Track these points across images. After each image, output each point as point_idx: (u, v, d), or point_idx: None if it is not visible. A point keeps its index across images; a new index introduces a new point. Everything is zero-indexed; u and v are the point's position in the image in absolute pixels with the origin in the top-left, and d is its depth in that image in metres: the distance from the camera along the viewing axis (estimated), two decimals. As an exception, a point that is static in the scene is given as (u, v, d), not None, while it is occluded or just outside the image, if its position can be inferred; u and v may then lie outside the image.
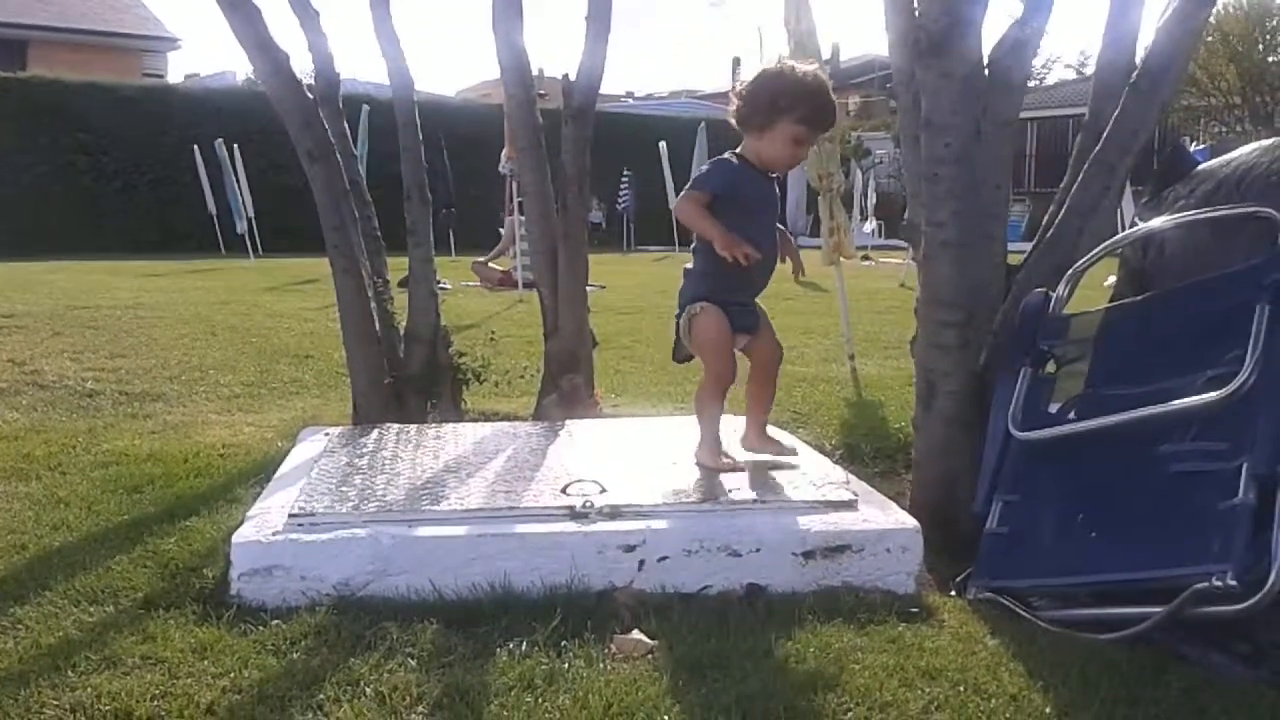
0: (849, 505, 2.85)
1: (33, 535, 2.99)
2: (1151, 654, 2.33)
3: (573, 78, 4.24)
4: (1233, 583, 2.15)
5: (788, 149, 3.05)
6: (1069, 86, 30.90)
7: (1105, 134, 3.20)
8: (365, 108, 13.83)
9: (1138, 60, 3.32)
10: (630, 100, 43.52)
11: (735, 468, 3.11)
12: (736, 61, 51.77)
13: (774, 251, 3.16)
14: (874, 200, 21.80)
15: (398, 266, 4.44)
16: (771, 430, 3.39)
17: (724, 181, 3.06)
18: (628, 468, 3.14)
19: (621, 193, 23.05)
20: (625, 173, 22.43)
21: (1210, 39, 25.33)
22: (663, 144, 17.76)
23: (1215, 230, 2.94)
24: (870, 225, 21.85)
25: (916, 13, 3.29)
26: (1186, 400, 2.45)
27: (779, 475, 3.06)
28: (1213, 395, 2.38)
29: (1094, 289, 3.91)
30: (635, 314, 9.14)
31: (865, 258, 17.72)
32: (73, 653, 2.24)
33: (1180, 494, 2.43)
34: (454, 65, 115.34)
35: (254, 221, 16.61)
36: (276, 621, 2.40)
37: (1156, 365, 2.69)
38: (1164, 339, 2.76)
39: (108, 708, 2.02)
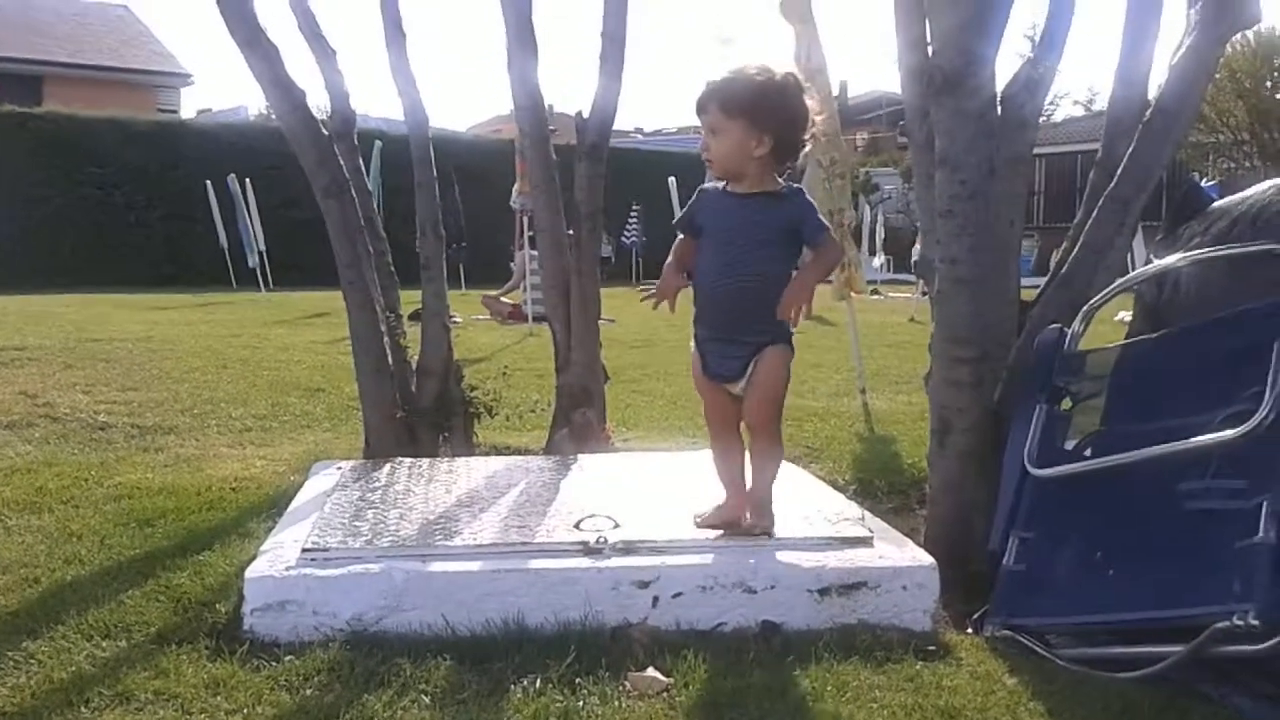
0: (864, 542, 2.83)
1: (45, 569, 2.98)
2: (1172, 694, 2.31)
3: (585, 115, 4.27)
4: (1254, 622, 2.14)
5: None
6: (1077, 123, 30.94)
7: (1119, 171, 3.21)
8: (377, 144, 13.91)
9: (1150, 97, 3.33)
10: (639, 136, 43.75)
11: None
12: (745, 98, 52.07)
13: (726, 285, 2.80)
14: (883, 235, 21.86)
15: (408, 300, 4.45)
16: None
17: (684, 215, 2.92)
18: (640, 502, 3.12)
19: (630, 227, 23.12)
20: (634, 207, 22.51)
21: (1218, 75, 25.43)
22: (672, 179, 17.84)
23: (1231, 267, 2.94)
24: (879, 260, 21.89)
25: (930, 51, 3.31)
26: (1205, 437, 2.44)
27: (794, 511, 3.04)
28: (1231, 432, 2.37)
29: (1106, 324, 3.90)
30: (645, 348, 9.14)
31: (875, 292, 17.73)
32: (85, 688, 2.23)
33: (1200, 532, 2.41)
34: (464, 101, 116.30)
35: (265, 255, 16.69)
36: (290, 657, 2.39)
37: (1173, 402, 2.68)
38: (1181, 376, 2.75)
39: (120, 744, 2.01)
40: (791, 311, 2.72)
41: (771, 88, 2.73)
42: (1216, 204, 3.29)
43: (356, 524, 2.92)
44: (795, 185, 2.86)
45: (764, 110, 2.72)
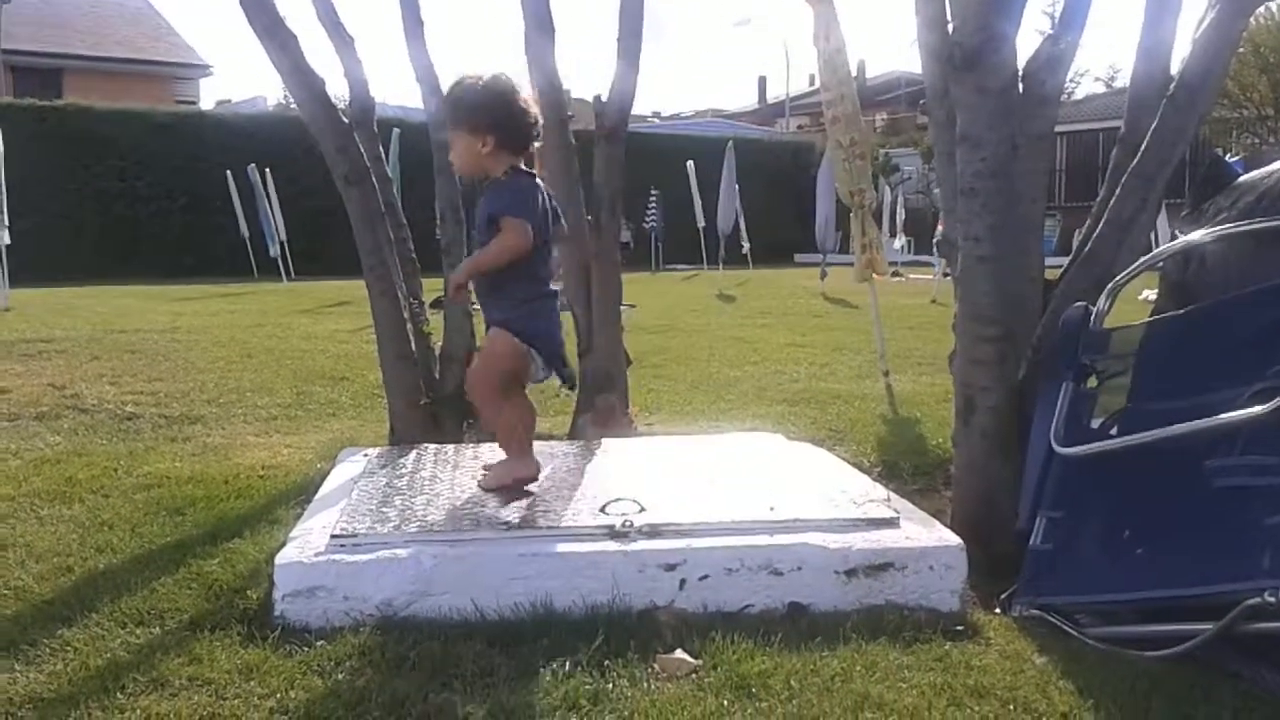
0: (891, 523, 2.83)
1: (78, 557, 3.02)
2: (1201, 672, 2.30)
3: (604, 99, 4.27)
4: (1285, 599, 2.13)
5: None
6: (1099, 100, 30.68)
7: (1143, 147, 3.18)
8: (396, 131, 13.93)
9: (1173, 72, 3.31)
10: (657, 120, 43.62)
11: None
12: (763, 80, 51.94)
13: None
14: (903, 217, 21.75)
15: (429, 287, 4.46)
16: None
17: None
18: (665, 486, 3.13)
19: (649, 212, 23.09)
20: (653, 192, 22.47)
21: (1241, 50, 25.13)
22: (690, 163, 17.80)
23: (1258, 242, 2.91)
24: (899, 241, 21.79)
25: (950, 28, 3.29)
26: (1233, 414, 2.42)
27: (819, 493, 3.04)
28: (1260, 408, 2.35)
29: (1130, 303, 3.88)
30: (666, 333, 9.15)
31: (896, 274, 17.66)
32: (121, 674, 2.26)
33: (1228, 509, 2.40)
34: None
35: (286, 245, 16.77)
36: (321, 642, 2.41)
37: (1200, 379, 2.66)
38: (1207, 353, 2.73)
39: (157, 729, 2.04)
40: (450, 288, 3.05)
41: (478, 91, 2.99)
42: (1242, 179, 3.25)
43: (384, 510, 2.94)
44: (505, 177, 3.01)
45: (478, 112, 2.98)
